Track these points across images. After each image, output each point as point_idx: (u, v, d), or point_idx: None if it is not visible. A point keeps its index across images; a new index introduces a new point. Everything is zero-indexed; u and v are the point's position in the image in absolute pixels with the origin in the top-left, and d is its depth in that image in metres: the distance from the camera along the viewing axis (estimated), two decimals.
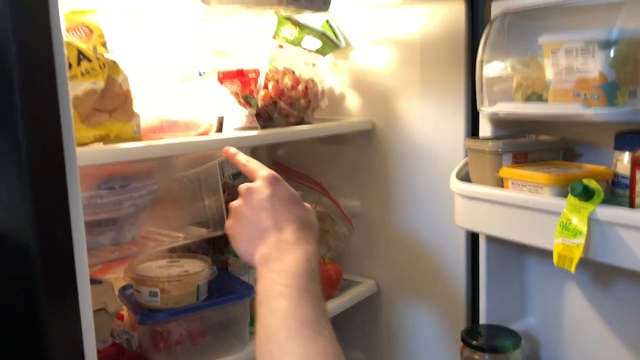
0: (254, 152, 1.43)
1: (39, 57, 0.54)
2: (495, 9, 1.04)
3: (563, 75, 0.87)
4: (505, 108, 0.94)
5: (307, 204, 0.74)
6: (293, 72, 1.18)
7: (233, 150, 0.80)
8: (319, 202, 1.36)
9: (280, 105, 1.13)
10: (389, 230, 1.30)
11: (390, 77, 1.25)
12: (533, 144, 0.96)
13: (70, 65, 0.80)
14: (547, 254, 0.84)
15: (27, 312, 0.59)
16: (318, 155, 1.39)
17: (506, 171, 0.91)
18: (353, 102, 1.32)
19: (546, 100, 0.93)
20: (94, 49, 0.83)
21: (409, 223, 1.26)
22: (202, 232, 1.03)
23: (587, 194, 0.77)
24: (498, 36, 1.02)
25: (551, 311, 1.09)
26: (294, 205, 0.71)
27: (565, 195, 0.81)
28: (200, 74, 1.25)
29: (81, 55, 0.81)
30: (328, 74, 1.33)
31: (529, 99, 0.96)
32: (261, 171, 0.74)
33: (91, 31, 0.85)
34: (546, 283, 1.09)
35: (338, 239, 1.33)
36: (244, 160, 0.78)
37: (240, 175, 1.26)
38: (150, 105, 0.95)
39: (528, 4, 0.97)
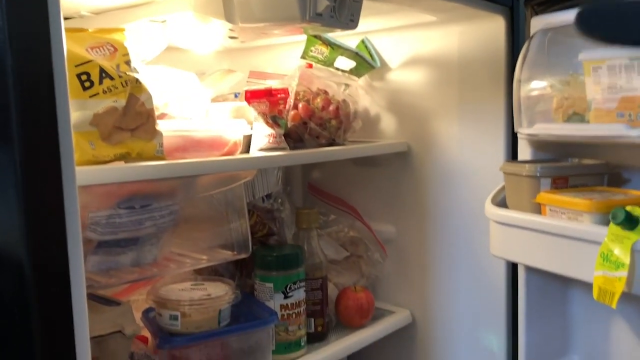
0: (288, 175, 1.41)
1: (37, 68, 0.53)
2: (535, 25, 0.99)
3: (605, 94, 0.81)
4: (543, 130, 0.88)
5: None
6: (326, 93, 1.16)
7: None
8: (352, 227, 1.32)
9: (311, 126, 1.11)
10: (425, 258, 1.24)
11: (428, 98, 1.21)
12: (574, 167, 0.89)
13: (92, 83, 0.80)
14: (591, 286, 0.77)
15: (20, 332, 0.57)
16: (352, 178, 1.35)
17: (544, 197, 0.85)
18: (389, 124, 1.28)
19: (588, 122, 0.87)
20: (117, 67, 0.83)
21: (446, 251, 1.20)
22: (227, 255, 1.01)
23: (630, 223, 0.71)
24: (538, 54, 0.96)
25: (597, 349, 1.01)
26: None
27: (607, 224, 0.75)
28: (235, 96, 1.25)
29: (103, 73, 0.80)
30: (363, 95, 1.30)
31: (569, 120, 0.90)
32: None
33: (115, 49, 0.84)
34: (592, 318, 1.01)
35: (371, 265, 1.28)
36: None
37: (271, 197, 1.23)
38: (174, 124, 0.94)
39: (568, 18, 0.91)
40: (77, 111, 0.78)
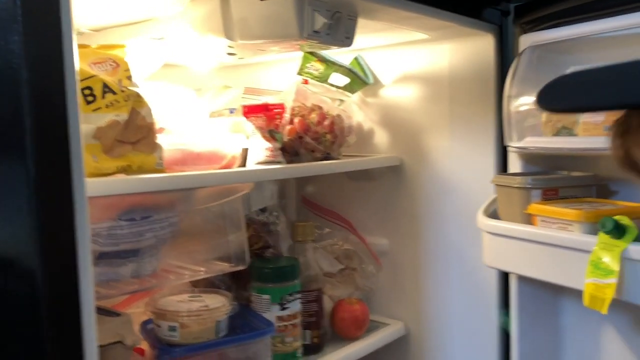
0: (283, 188, 1.43)
1: (50, 83, 0.54)
2: (524, 43, 1.02)
3: None
4: (533, 143, 0.91)
5: None
6: (320, 108, 1.18)
7: None
8: (347, 240, 1.34)
9: (306, 141, 1.13)
10: (418, 270, 1.26)
11: (419, 113, 1.24)
12: (563, 179, 0.92)
13: (95, 98, 0.82)
14: (582, 294, 0.80)
15: (30, 338, 0.58)
16: (346, 192, 1.38)
17: (535, 207, 0.87)
18: (382, 139, 1.31)
19: (576, 135, 0.90)
20: (119, 82, 0.85)
21: (439, 262, 1.22)
22: (224, 267, 1.02)
23: (618, 231, 0.73)
24: (527, 70, 1.00)
25: (588, 358, 1.03)
26: None
27: (597, 233, 0.77)
28: (231, 112, 1.27)
29: (106, 88, 0.82)
30: (357, 111, 1.33)
31: (558, 133, 0.93)
32: None
33: (117, 65, 0.86)
34: (583, 327, 1.03)
35: (365, 277, 1.30)
36: None
37: (267, 211, 1.25)
38: (174, 138, 0.96)
39: (556, 36, 0.95)
40: (81, 125, 0.80)
